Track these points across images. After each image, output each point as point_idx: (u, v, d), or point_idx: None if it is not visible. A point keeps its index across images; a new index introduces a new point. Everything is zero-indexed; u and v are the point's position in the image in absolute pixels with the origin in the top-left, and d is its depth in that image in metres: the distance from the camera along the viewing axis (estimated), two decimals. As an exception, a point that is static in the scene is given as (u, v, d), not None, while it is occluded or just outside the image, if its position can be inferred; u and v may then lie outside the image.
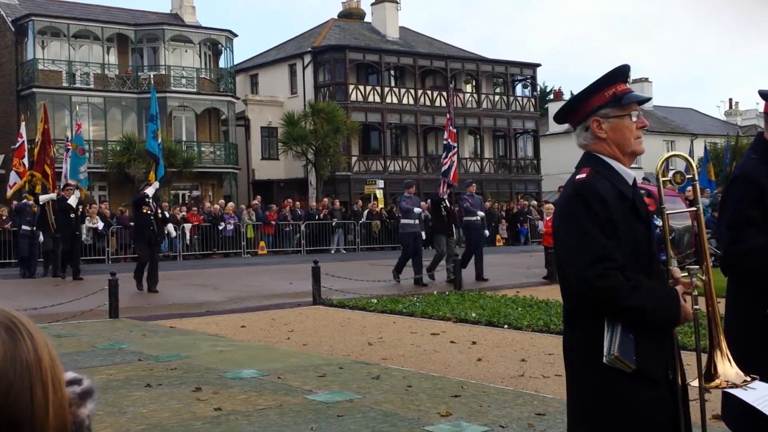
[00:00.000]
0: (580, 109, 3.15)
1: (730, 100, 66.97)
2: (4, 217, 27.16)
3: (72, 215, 20.64)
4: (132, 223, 22.02)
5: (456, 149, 19.85)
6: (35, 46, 39.70)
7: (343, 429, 6.17)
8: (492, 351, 9.84)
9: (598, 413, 2.96)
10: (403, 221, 19.23)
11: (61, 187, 22.20)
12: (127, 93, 41.11)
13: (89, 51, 41.17)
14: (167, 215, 19.65)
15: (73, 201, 20.58)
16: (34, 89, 38.93)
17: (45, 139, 22.62)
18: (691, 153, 40.80)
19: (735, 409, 3.77)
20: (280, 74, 48.48)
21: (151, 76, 26.96)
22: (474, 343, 10.40)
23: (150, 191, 17.51)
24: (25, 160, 23.52)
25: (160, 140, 19.60)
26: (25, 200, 23.66)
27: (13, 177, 23.69)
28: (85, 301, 13.69)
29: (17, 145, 24.90)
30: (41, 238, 22.48)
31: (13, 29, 40.32)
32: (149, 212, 17.23)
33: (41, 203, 21.77)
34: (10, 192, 23.96)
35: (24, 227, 22.90)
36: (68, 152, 23.59)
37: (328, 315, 13.56)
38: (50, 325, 12.31)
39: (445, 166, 19.22)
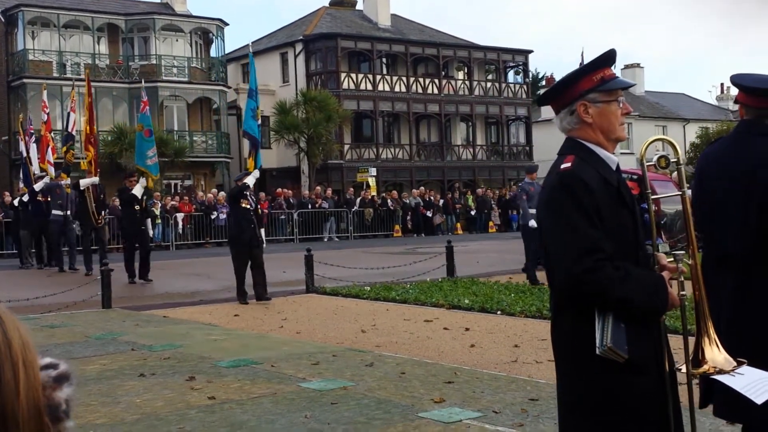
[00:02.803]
0: (566, 93, 3.10)
1: (722, 84, 66.74)
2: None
3: (137, 207, 17.57)
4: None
5: None
6: (25, 36, 39.51)
7: (337, 416, 6.19)
8: (485, 337, 9.86)
9: (588, 402, 2.95)
10: (527, 211, 15.80)
11: (34, 177, 21.22)
12: (117, 83, 40.95)
13: (80, 41, 40.97)
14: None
15: (138, 191, 17.44)
16: (24, 80, 38.74)
17: (89, 116, 20.09)
18: (683, 138, 40.84)
19: (722, 395, 3.77)
20: (271, 63, 48.32)
21: (250, 45, 22.42)
22: (467, 329, 10.43)
23: (250, 181, 14.64)
24: (51, 134, 22.49)
25: (260, 121, 16.83)
26: (45, 178, 21.45)
27: (48, 154, 22.15)
28: (77, 292, 13.69)
29: (44, 117, 23.86)
30: (78, 229, 20.37)
31: (3, 19, 40.11)
32: (249, 207, 14.30)
33: (81, 188, 19.00)
34: (52, 170, 21.71)
35: (55, 212, 20.28)
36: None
37: (321, 303, 13.57)
38: (43, 316, 12.32)
39: None
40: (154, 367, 8.19)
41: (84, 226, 19.62)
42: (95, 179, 19.08)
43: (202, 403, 6.70)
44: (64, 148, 21.36)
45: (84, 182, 18.91)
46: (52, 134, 24.11)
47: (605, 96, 3.07)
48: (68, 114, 22.60)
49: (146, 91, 20.93)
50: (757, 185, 3.92)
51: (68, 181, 20.82)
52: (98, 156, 19.89)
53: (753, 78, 4.12)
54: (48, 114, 23.83)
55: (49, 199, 20.71)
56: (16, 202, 23.60)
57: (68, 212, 20.48)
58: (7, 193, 28.73)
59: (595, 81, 3.06)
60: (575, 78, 3.09)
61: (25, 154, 23.25)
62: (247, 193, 14.39)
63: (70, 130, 21.97)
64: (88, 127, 20.01)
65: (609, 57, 3.13)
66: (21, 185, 23.42)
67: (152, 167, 18.42)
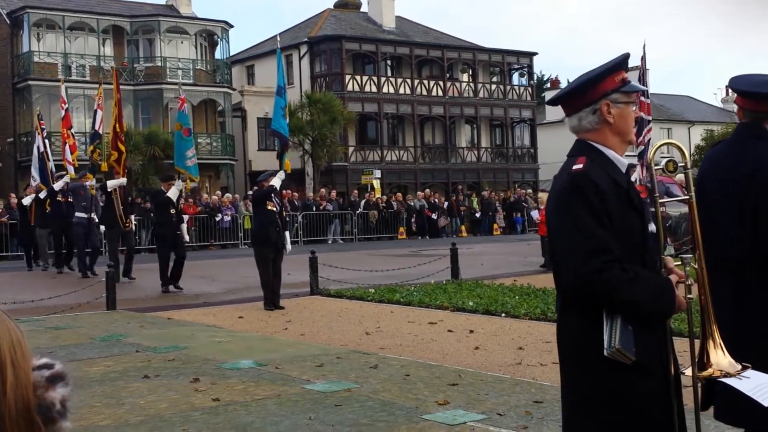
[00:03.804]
0: (590, 92, 3.10)
1: (727, 87, 66.71)
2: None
3: (173, 211, 16.47)
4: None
5: (650, 124, 15.96)
6: (31, 38, 39.61)
7: (341, 418, 6.18)
8: (489, 339, 9.85)
9: (594, 402, 2.96)
10: None
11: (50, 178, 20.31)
12: (122, 85, 40.86)
13: (85, 43, 41.04)
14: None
15: (173, 194, 16.40)
16: (29, 82, 38.84)
17: (118, 112, 18.78)
18: (688, 140, 40.77)
19: (723, 400, 3.77)
20: (276, 65, 48.30)
21: (278, 38, 20.94)
22: (471, 331, 10.42)
23: (276, 183, 14.00)
24: (73, 131, 21.16)
25: (288, 119, 15.93)
26: (65, 177, 20.18)
27: (66, 151, 21.02)
28: (82, 293, 13.71)
29: (62, 114, 22.91)
30: (102, 230, 19.26)
31: (8, 21, 40.20)
32: (274, 209, 13.77)
33: (109, 190, 17.98)
34: (71, 169, 20.54)
35: (78, 214, 19.21)
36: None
37: (325, 305, 13.57)
38: (48, 318, 12.34)
39: (642, 146, 15.88)
40: (159, 369, 8.19)
41: (111, 229, 18.41)
42: (123, 180, 18.25)
43: (207, 404, 6.70)
44: (92, 147, 20.35)
45: (111, 183, 17.95)
46: (73, 131, 23.17)
47: (625, 97, 3.10)
48: (95, 112, 21.25)
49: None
50: (755, 188, 3.91)
51: (93, 182, 19.78)
52: (119, 157, 18.57)
53: (750, 81, 4.10)
54: (66, 111, 23.15)
55: (70, 199, 19.83)
56: (28, 200, 22.22)
57: (92, 215, 19.53)
58: (12, 195, 28.71)
59: (617, 82, 3.09)
60: (600, 77, 3.09)
61: (42, 150, 21.99)
62: (273, 196, 13.88)
63: (97, 128, 20.65)
64: (111, 128, 18.98)
65: (626, 60, 3.16)
66: (35, 182, 22.28)
67: (192, 168, 17.58)
